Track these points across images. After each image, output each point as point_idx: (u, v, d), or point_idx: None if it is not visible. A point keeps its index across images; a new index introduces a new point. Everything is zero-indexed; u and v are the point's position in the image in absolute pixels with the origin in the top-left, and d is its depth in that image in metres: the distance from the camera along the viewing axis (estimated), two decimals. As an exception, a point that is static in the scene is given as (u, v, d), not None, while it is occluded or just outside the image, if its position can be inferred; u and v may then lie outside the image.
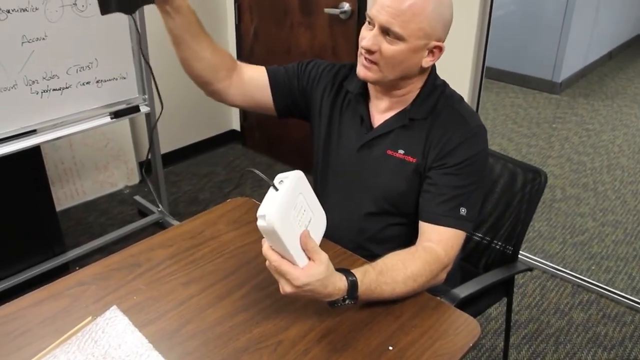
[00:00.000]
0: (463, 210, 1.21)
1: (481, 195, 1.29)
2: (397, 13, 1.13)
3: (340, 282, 1.02)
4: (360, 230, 1.36)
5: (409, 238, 1.27)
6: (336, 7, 2.80)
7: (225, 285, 1.20)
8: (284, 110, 1.41)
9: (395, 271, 1.10)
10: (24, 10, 1.94)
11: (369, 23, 1.19)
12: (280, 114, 1.42)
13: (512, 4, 4.88)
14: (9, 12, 1.90)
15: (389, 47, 1.17)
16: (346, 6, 2.76)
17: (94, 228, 2.82)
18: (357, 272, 1.05)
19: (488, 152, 1.29)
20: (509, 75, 5.02)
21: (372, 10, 1.17)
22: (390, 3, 1.14)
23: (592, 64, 5.47)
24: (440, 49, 1.20)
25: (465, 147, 1.22)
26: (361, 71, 1.23)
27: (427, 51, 1.20)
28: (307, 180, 1.04)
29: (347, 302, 1.04)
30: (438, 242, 1.20)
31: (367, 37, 1.18)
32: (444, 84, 1.31)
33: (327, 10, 2.84)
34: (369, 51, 1.18)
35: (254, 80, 1.37)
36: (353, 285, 1.03)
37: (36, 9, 1.97)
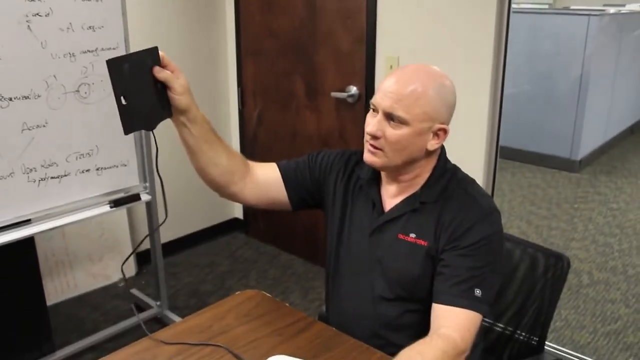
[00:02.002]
0: (478, 292, 1.26)
1: (498, 278, 1.34)
2: (399, 98, 1.25)
3: None
4: (376, 316, 1.40)
5: (427, 326, 1.29)
6: (343, 90, 2.95)
7: (236, 383, 1.22)
8: (298, 202, 1.52)
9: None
10: (26, 98, 2.05)
11: (373, 110, 1.32)
12: (295, 207, 1.52)
13: (525, 82, 5.07)
14: (10, 99, 2.01)
15: (393, 132, 1.28)
16: (353, 90, 2.91)
17: (86, 324, 2.82)
18: None
19: (503, 235, 1.35)
20: (525, 154, 5.12)
21: (375, 97, 1.30)
22: (393, 89, 1.27)
23: (612, 139, 5.59)
24: (445, 131, 1.31)
25: (478, 228, 1.29)
26: (367, 157, 1.34)
27: (431, 134, 1.30)
28: None
29: None
30: (453, 326, 1.23)
31: (372, 123, 1.30)
32: (455, 168, 1.41)
33: (333, 94, 2.99)
34: (374, 137, 1.30)
35: (267, 179, 1.49)
36: None
37: (38, 96, 2.08)
